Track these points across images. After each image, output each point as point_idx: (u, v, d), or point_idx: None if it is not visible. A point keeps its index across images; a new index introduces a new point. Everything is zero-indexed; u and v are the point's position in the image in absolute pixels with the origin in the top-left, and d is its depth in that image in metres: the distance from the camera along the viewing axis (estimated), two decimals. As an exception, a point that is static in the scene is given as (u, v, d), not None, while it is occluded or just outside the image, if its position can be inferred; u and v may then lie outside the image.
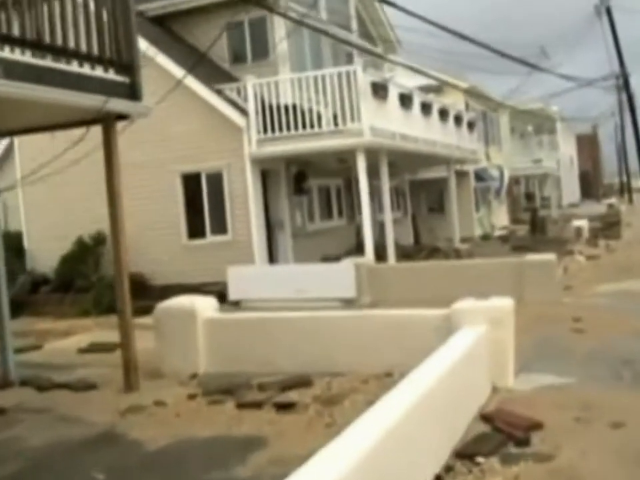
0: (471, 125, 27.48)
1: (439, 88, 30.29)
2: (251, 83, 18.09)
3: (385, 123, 18.23)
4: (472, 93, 33.98)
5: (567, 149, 71.40)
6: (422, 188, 31.38)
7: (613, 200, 59.51)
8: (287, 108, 17.83)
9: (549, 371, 9.13)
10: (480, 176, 34.97)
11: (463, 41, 21.10)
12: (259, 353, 9.67)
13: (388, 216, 19.11)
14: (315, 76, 18.06)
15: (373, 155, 18.32)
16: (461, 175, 31.54)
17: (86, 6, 8.82)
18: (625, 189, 77.15)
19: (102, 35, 8.98)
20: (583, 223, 29.97)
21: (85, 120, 9.61)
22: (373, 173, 19.35)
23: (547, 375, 8.91)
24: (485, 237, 32.25)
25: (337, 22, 23.18)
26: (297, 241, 19.82)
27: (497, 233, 34.60)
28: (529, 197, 52.22)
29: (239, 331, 10.03)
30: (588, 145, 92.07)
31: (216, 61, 20.75)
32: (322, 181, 21.94)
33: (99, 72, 8.93)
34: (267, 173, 19.19)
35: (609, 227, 33.34)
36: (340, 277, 15.72)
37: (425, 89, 25.51)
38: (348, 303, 15.40)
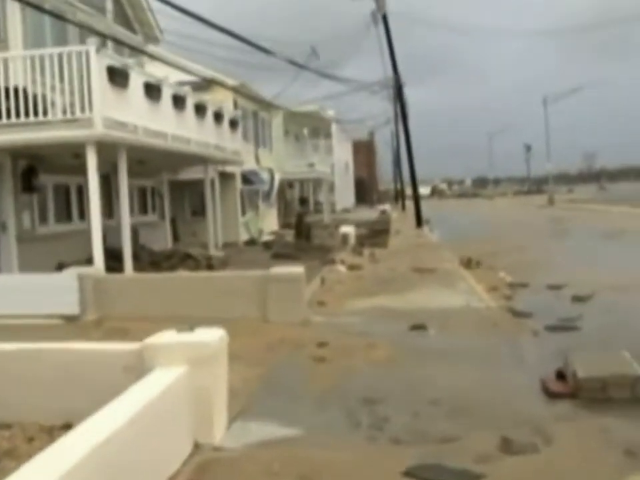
0: (233, 124, 25.68)
1: (206, 84, 28.35)
2: (-36, 61, 15.41)
3: (124, 115, 15.93)
4: (240, 91, 32.31)
5: (343, 154, 72.01)
6: (185, 189, 29.40)
7: (386, 206, 60.23)
8: (7, 91, 15.24)
9: (274, 416, 7.47)
10: (248, 178, 33.39)
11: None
12: None
13: (126, 219, 16.80)
14: (41, 55, 15.45)
15: (110, 150, 16.05)
16: (227, 177, 29.81)
17: None
18: (399, 196, 79.09)
19: None
20: (349, 230, 29.05)
21: None
22: (116, 171, 17.16)
23: (269, 424, 7.25)
24: (251, 242, 30.64)
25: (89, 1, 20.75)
26: (24, 246, 17.22)
27: (265, 238, 33.16)
28: (303, 201, 51.56)
29: None
30: (364, 151, 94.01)
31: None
32: (60, 178, 19.28)
33: None
34: (-13, 167, 16.55)
35: (376, 234, 32.75)
36: (60, 289, 13.49)
37: (191, 84, 23.50)
38: (70, 320, 13.27)
